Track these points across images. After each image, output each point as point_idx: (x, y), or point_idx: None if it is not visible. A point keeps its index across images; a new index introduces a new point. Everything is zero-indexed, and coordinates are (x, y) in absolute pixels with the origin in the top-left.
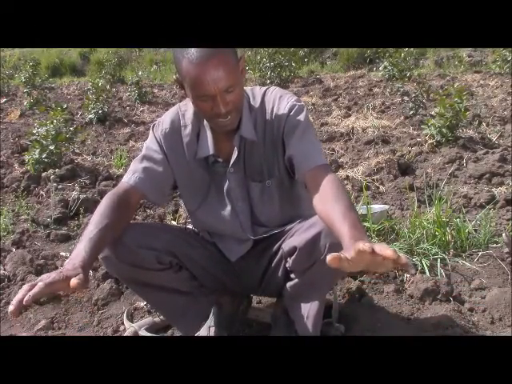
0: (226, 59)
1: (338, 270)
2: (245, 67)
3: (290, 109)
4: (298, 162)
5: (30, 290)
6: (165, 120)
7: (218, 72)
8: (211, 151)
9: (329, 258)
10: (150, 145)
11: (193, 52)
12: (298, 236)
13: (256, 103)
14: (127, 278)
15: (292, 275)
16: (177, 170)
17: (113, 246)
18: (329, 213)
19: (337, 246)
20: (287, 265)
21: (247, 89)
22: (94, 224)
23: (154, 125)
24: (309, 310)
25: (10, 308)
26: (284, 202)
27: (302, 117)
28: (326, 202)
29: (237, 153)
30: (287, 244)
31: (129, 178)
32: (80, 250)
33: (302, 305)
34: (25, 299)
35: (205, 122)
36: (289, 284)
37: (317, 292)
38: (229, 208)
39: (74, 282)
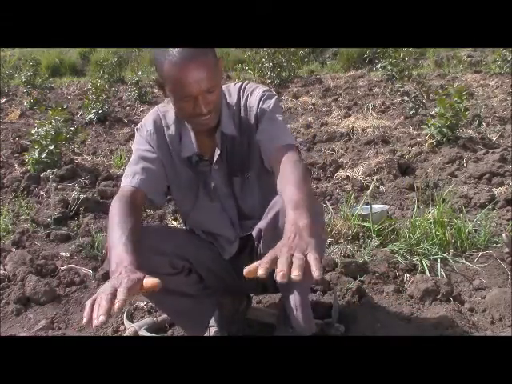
0: (207, 60)
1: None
2: (222, 68)
3: (259, 99)
4: (264, 147)
5: (111, 299)
6: (147, 122)
7: (200, 73)
8: (195, 150)
9: (245, 272)
10: (140, 146)
11: (174, 54)
12: (263, 219)
13: (232, 100)
14: None
15: None
16: (166, 169)
17: None
18: (282, 191)
19: None
20: (260, 251)
21: (223, 87)
22: (119, 230)
23: (137, 128)
24: (296, 301)
25: (101, 318)
26: (265, 191)
27: (270, 103)
28: (282, 179)
29: (219, 150)
30: (255, 229)
31: (130, 180)
32: (121, 254)
33: (291, 297)
34: (116, 306)
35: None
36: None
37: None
38: (218, 206)
39: (150, 281)
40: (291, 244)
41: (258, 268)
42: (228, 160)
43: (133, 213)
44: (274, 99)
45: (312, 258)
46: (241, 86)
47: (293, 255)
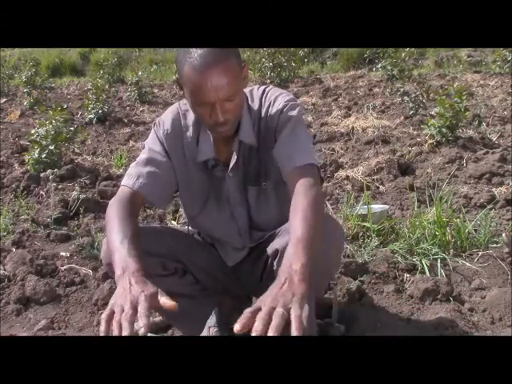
0: (229, 67)
1: (327, 273)
2: (248, 74)
3: (282, 107)
4: (281, 164)
5: (130, 319)
6: (166, 120)
7: (220, 81)
8: (211, 155)
9: (236, 328)
10: (152, 146)
11: (196, 57)
12: (280, 238)
13: (255, 105)
14: None
15: None
16: (178, 172)
17: None
18: (290, 221)
19: None
20: (274, 268)
21: (246, 90)
22: (121, 234)
23: (155, 124)
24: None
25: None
26: (281, 203)
27: (293, 113)
28: (292, 208)
29: (236, 157)
30: (271, 247)
31: (133, 182)
32: (125, 258)
33: None
34: (141, 332)
35: None
36: None
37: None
38: (227, 214)
39: (167, 304)
40: (278, 294)
41: (250, 322)
42: (244, 168)
43: (132, 217)
44: (296, 110)
45: (293, 316)
46: (263, 92)
47: (274, 308)
